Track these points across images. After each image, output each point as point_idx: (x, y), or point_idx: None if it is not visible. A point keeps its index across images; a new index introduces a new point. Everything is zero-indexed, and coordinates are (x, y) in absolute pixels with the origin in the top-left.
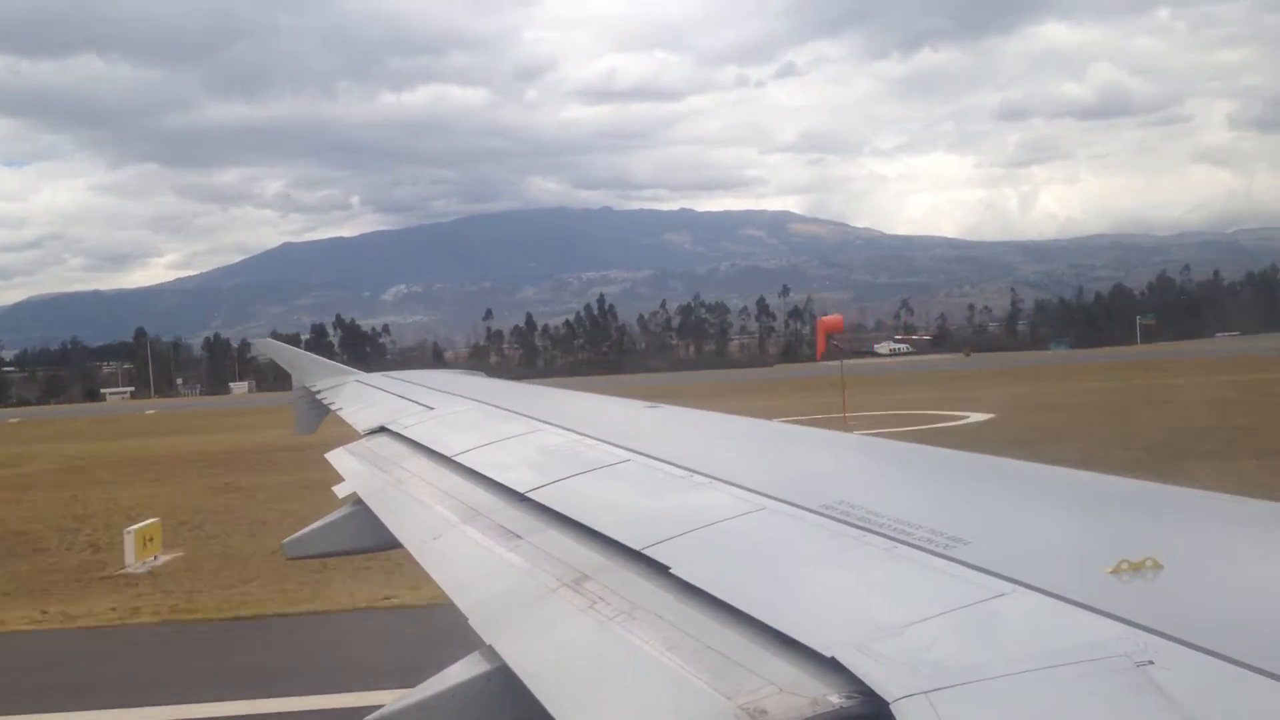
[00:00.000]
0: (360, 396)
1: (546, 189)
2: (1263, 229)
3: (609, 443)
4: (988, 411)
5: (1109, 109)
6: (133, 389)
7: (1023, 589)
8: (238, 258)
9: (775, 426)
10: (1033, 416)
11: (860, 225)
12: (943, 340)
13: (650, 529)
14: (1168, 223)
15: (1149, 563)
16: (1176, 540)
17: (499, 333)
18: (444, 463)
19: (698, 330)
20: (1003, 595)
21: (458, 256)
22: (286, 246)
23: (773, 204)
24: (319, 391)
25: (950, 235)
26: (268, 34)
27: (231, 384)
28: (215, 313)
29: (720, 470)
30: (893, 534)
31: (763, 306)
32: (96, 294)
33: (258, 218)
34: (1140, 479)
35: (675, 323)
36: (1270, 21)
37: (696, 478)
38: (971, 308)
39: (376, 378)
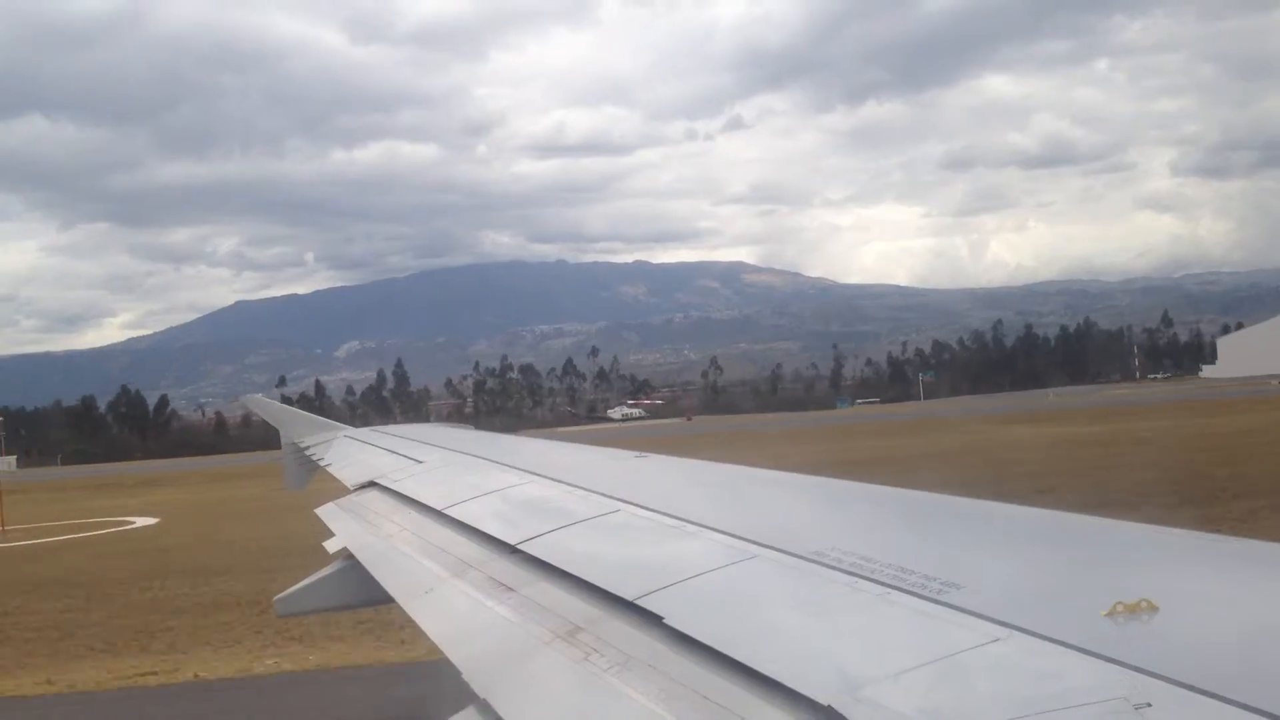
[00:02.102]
0: (349, 451)
1: (501, 243)
2: (1208, 274)
3: (598, 493)
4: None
5: (1053, 158)
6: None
7: (1018, 633)
8: (192, 316)
9: (765, 474)
10: (199, 524)
11: (814, 275)
12: (681, 404)
13: (642, 579)
14: (1115, 269)
15: (1144, 604)
16: (1171, 582)
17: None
18: (434, 516)
19: (503, 393)
20: (998, 640)
21: (412, 312)
22: (240, 305)
23: (727, 254)
24: (308, 447)
25: (903, 284)
26: (213, 94)
27: None
28: (166, 372)
29: (710, 519)
30: (885, 580)
31: (569, 368)
32: (47, 355)
33: (211, 276)
34: (1134, 520)
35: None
36: (1206, 71)
37: (687, 526)
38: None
39: (365, 433)
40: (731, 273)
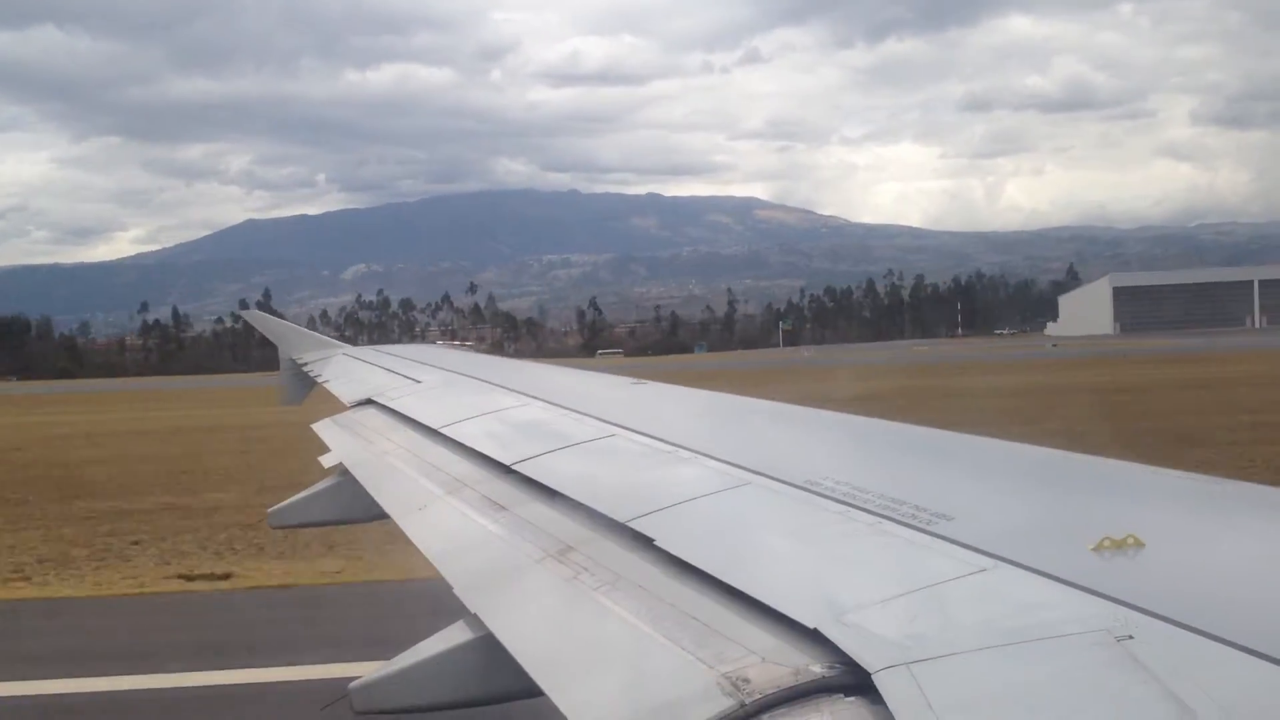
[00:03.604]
0: (347, 369)
1: (514, 170)
2: (1222, 224)
3: (595, 417)
4: None
5: (1073, 102)
6: None
7: (1006, 565)
8: (202, 233)
9: (761, 403)
10: None
11: (826, 213)
12: (503, 344)
13: (635, 502)
14: (1130, 216)
15: (1130, 540)
16: (1158, 520)
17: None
18: (430, 435)
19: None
20: (985, 571)
21: (422, 237)
22: (250, 223)
23: (740, 190)
24: (306, 364)
25: (915, 225)
26: (230, 9)
27: None
28: (173, 288)
29: (705, 446)
30: (876, 510)
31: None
32: (55, 267)
33: (223, 194)
34: (1124, 460)
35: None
36: (1232, 18)
37: (681, 453)
38: (714, 306)
39: (363, 351)
40: (744, 208)
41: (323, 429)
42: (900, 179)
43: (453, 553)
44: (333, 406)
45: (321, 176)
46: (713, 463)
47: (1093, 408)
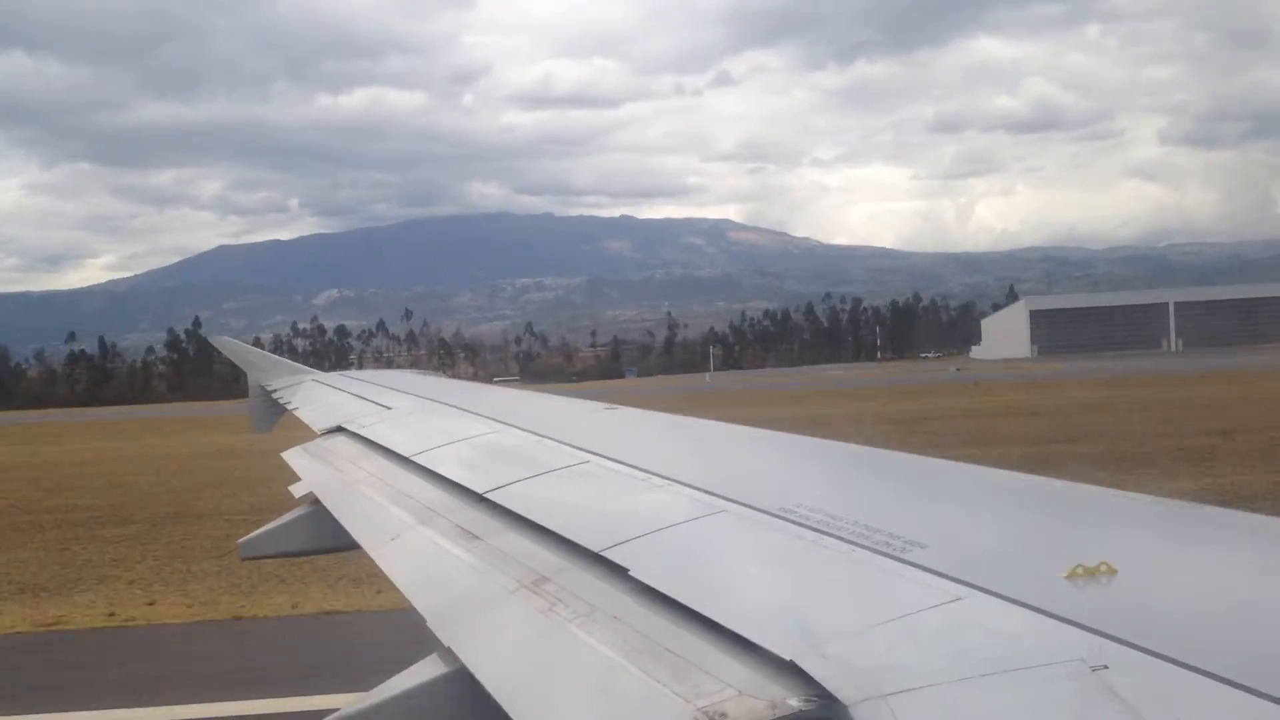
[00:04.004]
0: (317, 396)
1: (488, 194)
2: (1191, 244)
3: (568, 444)
4: None
5: (1042, 123)
6: None
7: (979, 593)
8: (174, 259)
9: (733, 429)
10: None
11: (800, 235)
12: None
13: (609, 531)
14: (1100, 236)
15: (1103, 567)
16: (1131, 546)
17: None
18: (402, 463)
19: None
20: (960, 600)
21: (395, 261)
22: (222, 249)
23: (714, 212)
24: (275, 390)
25: (888, 246)
26: (200, 34)
27: None
28: (143, 315)
29: (678, 472)
30: (850, 537)
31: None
32: (24, 295)
33: (195, 219)
34: (1096, 485)
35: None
36: (1199, 39)
37: (655, 479)
38: (672, 327)
39: (333, 377)
40: (717, 230)
41: (292, 457)
42: (872, 200)
43: (425, 584)
44: (303, 434)
45: (294, 201)
46: (686, 490)
47: (912, 433)
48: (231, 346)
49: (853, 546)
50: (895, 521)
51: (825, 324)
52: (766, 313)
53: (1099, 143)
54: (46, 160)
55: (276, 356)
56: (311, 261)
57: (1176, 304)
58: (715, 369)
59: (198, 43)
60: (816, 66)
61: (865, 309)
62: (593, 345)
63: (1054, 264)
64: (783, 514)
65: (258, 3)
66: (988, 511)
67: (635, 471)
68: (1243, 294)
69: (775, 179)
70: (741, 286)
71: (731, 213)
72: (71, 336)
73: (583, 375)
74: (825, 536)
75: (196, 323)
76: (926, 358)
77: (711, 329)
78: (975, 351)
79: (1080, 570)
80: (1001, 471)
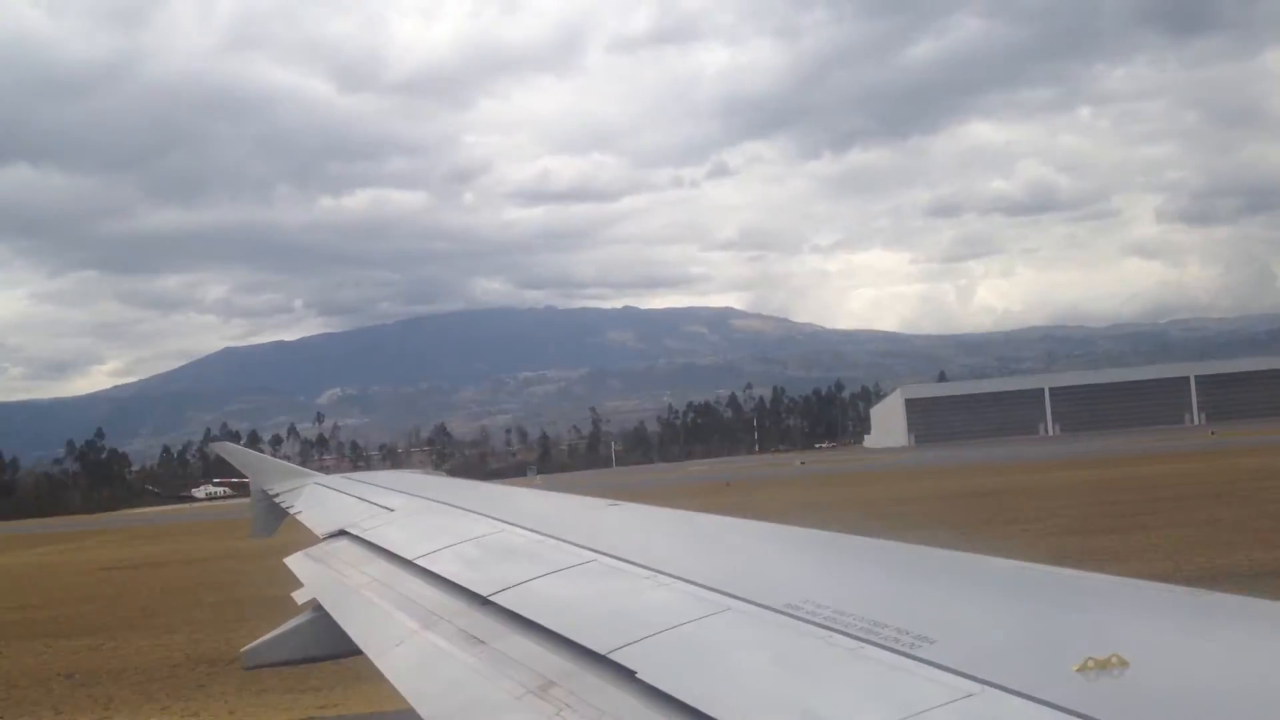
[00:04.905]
0: (319, 499)
1: (491, 289)
2: (1194, 319)
3: (571, 543)
4: None
5: (1038, 205)
6: None
7: (991, 689)
8: (179, 363)
9: (739, 523)
10: None
11: (802, 320)
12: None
13: (615, 632)
14: (1102, 314)
15: (1114, 659)
16: (1141, 636)
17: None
18: (405, 566)
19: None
20: (971, 695)
21: (400, 358)
22: (228, 351)
23: (716, 300)
24: (277, 494)
25: (891, 329)
26: (203, 141)
27: None
28: (147, 420)
29: (684, 570)
30: (858, 634)
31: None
32: (31, 403)
33: (200, 323)
34: (1104, 574)
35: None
36: (1190, 118)
37: (660, 577)
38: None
39: (335, 480)
40: (720, 318)
41: (295, 563)
42: (873, 285)
43: (430, 690)
44: (305, 537)
45: (299, 302)
46: (692, 587)
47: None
48: (232, 451)
49: (861, 643)
50: (903, 616)
51: (736, 414)
52: (690, 405)
53: (1096, 222)
54: (53, 269)
55: (278, 460)
56: (316, 361)
57: (1051, 389)
58: (615, 463)
59: (200, 149)
60: (811, 155)
61: (789, 399)
62: (522, 438)
63: (1055, 343)
64: (789, 610)
65: (260, 109)
66: (996, 604)
67: (640, 570)
68: (1123, 377)
69: (776, 266)
70: (743, 373)
71: (734, 300)
72: (70, 446)
73: (498, 474)
74: (832, 633)
75: (208, 434)
76: (821, 448)
77: (641, 423)
78: (868, 440)
79: (1091, 663)
80: (1008, 561)
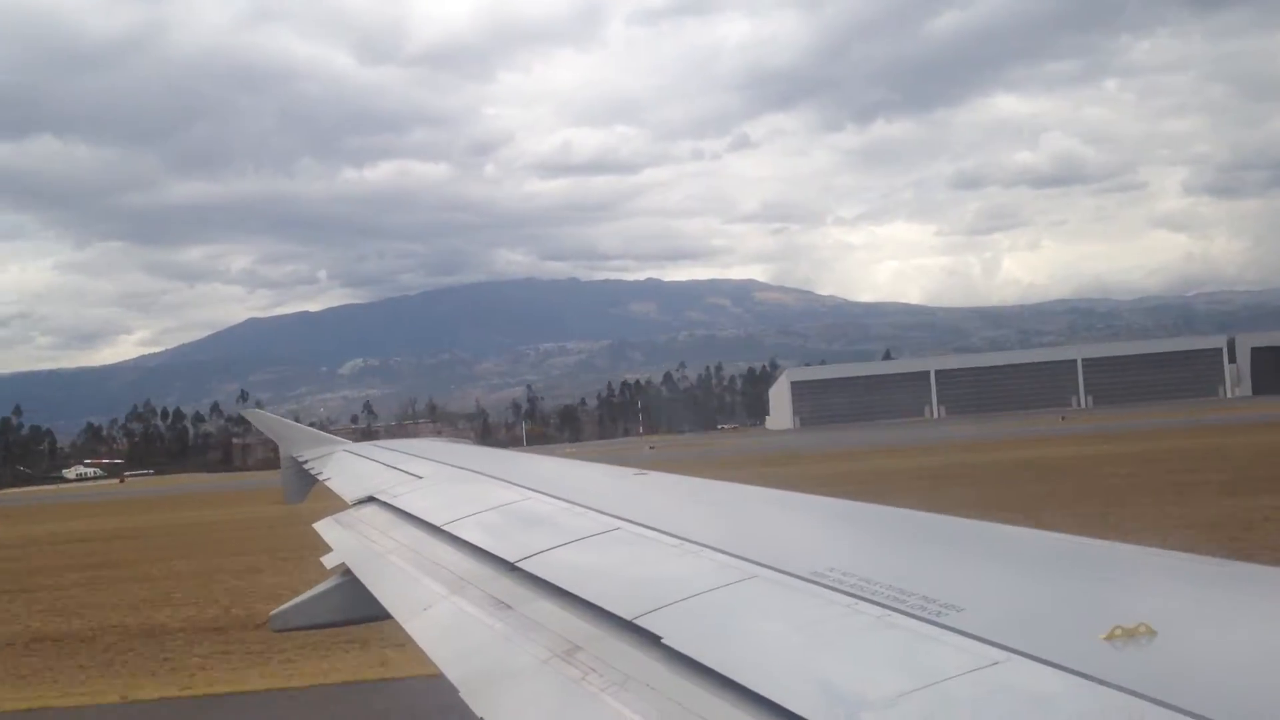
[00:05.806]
0: (348, 466)
1: (514, 261)
2: (1219, 292)
3: (598, 510)
4: None
5: (1064, 177)
6: None
7: (1017, 657)
8: (204, 333)
9: (766, 492)
10: None
11: (825, 293)
12: (140, 461)
13: (641, 598)
14: (1127, 287)
15: (1142, 628)
16: (1169, 605)
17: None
18: (433, 532)
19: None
20: (997, 663)
21: (422, 330)
22: (251, 322)
23: (739, 272)
24: (306, 461)
25: (915, 302)
26: (226, 113)
27: None
28: (172, 389)
29: (710, 537)
30: (885, 601)
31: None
32: (57, 372)
33: (225, 293)
34: (1132, 543)
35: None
36: (1216, 91)
37: (686, 545)
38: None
39: (364, 447)
40: (743, 291)
41: (324, 528)
42: (897, 257)
43: (457, 654)
44: (335, 504)
45: (323, 273)
46: (718, 555)
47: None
48: (263, 419)
49: (887, 610)
50: (929, 584)
51: (682, 390)
52: (625, 383)
53: (1123, 194)
54: (79, 240)
55: (308, 428)
56: (338, 332)
57: (937, 372)
58: (526, 442)
59: (224, 122)
60: (835, 128)
61: (725, 376)
62: (478, 412)
63: (1080, 315)
64: (814, 578)
65: (282, 81)
66: (1023, 572)
67: (665, 537)
68: (1015, 360)
69: (799, 238)
70: (764, 346)
71: (757, 273)
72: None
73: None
74: (858, 601)
75: (244, 395)
76: (723, 429)
77: (583, 400)
78: (769, 422)
79: (1119, 631)
80: (1035, 531)
